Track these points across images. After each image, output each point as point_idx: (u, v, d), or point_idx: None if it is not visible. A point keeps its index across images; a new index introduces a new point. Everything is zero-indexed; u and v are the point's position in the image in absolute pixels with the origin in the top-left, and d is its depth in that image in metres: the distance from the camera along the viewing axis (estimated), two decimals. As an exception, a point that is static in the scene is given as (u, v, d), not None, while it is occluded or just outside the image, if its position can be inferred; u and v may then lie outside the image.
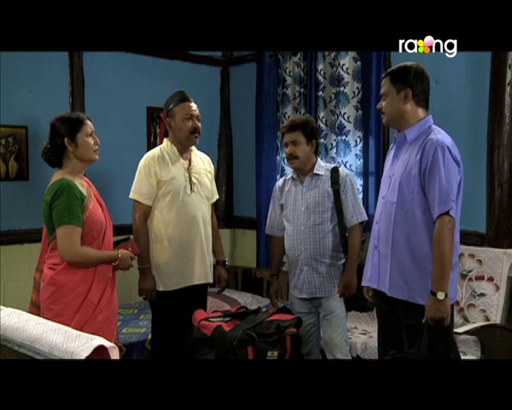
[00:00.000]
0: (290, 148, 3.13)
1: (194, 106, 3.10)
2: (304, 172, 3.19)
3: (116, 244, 2.76)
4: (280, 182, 3.35)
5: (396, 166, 2.52)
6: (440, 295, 2.30)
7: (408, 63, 2.49)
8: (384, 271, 2.52)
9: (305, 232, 3.12)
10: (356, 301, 3.17)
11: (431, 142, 2.39)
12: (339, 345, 3.16)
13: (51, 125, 2.64)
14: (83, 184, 2.64)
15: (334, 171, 3.18)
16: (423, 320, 2.35)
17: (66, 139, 2.58)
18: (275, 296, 3.35)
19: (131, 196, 3.08)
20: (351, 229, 3.17)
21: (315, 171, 3.17)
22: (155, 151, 3.13)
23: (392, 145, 2.66)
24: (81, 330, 1.79)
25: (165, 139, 3.20)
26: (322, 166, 3.21)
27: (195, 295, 3.13)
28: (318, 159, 3.24)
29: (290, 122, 3.19)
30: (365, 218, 3.22)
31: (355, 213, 3.16)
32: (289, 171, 3.40)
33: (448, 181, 2.34)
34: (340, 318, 3.17)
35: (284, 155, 3.31)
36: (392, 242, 2.47)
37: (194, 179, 3.11)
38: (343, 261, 3.18)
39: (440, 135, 2.43)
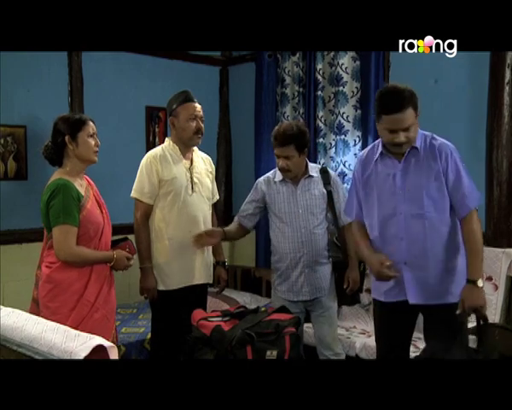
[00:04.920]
0: (282, 161, 3.05)
1: (198, 107, 3.10)
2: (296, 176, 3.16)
3: (114, 244, 2.76)
4: (264, 179, 3.21)
5: (410, 179, 2.49)
6: (480, 283, 2.37)
7: (401, 87, 2.43)
8: (416, 283, 2.51)
9: (306, 235, 3.10)
10: (347, 295, 3.21)
11: (444, 146, 2.48)
12: (336, 339, 3.23)
13: (54, 123, 2.65)
14: (82, 184, 2.65)
15: (324, 172, 3.19)
16: (459, 312, 2.40)
17: (67, 137, 2.60)
18: None
19: (133, 194, 3.08)
20: (347, 227, 3.17)
21: (310, 173, 3.15)
22: (157, 150, 3.13)
23: (389, 161, 2.56)
24: (77, 328, 1.80)
25: (166, 138, 3.20)
26: (313, 168, 3.21)
27: (195, 295, 3.14)
28: (307, 160, 3.21)
29: (282, 135, 3.03)
30: None
31: None
32: (272, 171, 3.26)
33: (469, 179, 2.46)
34: (335, 312, 3.23)
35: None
36: (427, 254, 2.48)
37: (195, 179, 3.12)
38: (331, 259, 3.21)
39: (442, 139, 2.54)
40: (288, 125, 3.10)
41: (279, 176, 3.16)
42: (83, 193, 2.61)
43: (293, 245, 3.12)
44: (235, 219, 3.29)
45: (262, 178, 3.26)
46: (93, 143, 2.66)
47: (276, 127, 3.12)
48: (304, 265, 3.11)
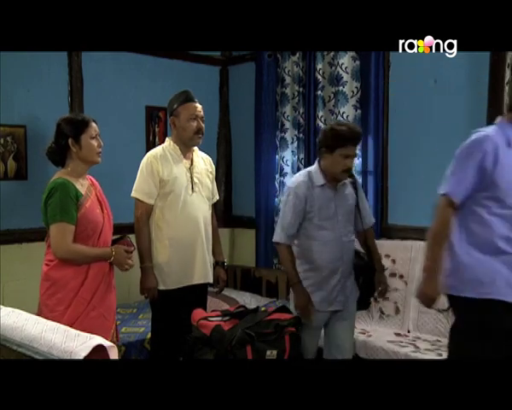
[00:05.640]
0: (351, 161, 2.87)
1: (199, 107, 3.10)
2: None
3: (113, 243, 2.77)
4: (303, 184, 2.92)
5: None
6: None
7: None
8: None
9: (345, 242, 2.96)
10: (363, 300, 3.13)
11: None
12: (353, 343, 3.21)
13: (57, 125, 2.66)
14: (83, 184, 2.66)
15: (351, 175, 3.04)
16: None
17: (70, 140, 2.61)
18: (311, 308, 2.94)
19: (133, 194, 3.09)
20: (369, 230, 3.11)
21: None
22: (158, 150, 3.13)
23: None
24: (72, 326, 1.81)
25: (167, 138, 3.20)
26: None
27: (196, 295, 3.14)
28: None
29: (357, 133, 2.87)
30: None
31: (370, 215, 3.14)
32: (303, 173, 3.02)
33: None
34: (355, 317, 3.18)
35: (344, 166, 2.85)
36: None
37: (195, 179, 3.12)
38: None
39: None
40: (351, 123, 2.91)
41: (320, 179, 2.93)
42: (83, 192, 2.62)
43: (333, 255, 2.93)
44: (284, 243, 2.95)
45: (298, 182, 2.95)
46: (96, 144, 2.67)
47: (342, 126, 2.89)
48: (341, 274, 2.96)
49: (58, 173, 2.65)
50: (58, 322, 1.72)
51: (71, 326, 1.71)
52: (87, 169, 2.71)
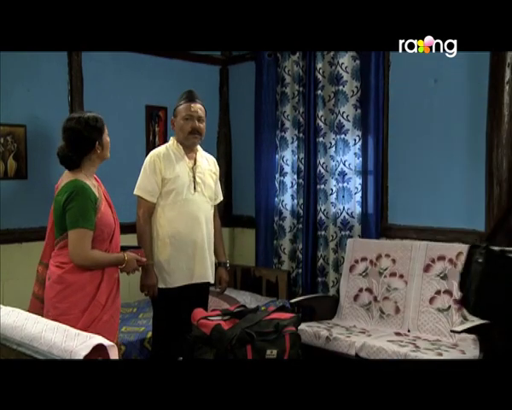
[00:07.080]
0: None
1: (195, 106, 3.10)
2: None
3: (124, 249, 2.75)
4: None
5: None
6: None
7: None
8: None
9: None
10: None
11: None
12: None
13: (75, 130, 2.59)
14: (94, 185, 2.64)
15: None
16: None
17: (97, 143, 2.61)
18: None
19: (136, 192, 3.10)
20: None
21: None
22: (161, 149, 3.14)
23: None
24: (88, 330, 1.80)
25: (171, 138, 3.22)
26: None
27: (196, 294, 3.15)
28: None
29: None
30: None
31: None
32: None
33: None
34: None
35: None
36: None
37: (198, 179, 3.13)
38: None
39: None
40: None
41: None
42: (97, 194, 2.60)
43: None
44: None
45: None
46: (109, 140, 2.69)
47: None
48: None
49: (71, 175, 2.59)
50: (72, 326, 1.70)
51: (85, 330, 1.71)
52: (97, 167, 2.71)
